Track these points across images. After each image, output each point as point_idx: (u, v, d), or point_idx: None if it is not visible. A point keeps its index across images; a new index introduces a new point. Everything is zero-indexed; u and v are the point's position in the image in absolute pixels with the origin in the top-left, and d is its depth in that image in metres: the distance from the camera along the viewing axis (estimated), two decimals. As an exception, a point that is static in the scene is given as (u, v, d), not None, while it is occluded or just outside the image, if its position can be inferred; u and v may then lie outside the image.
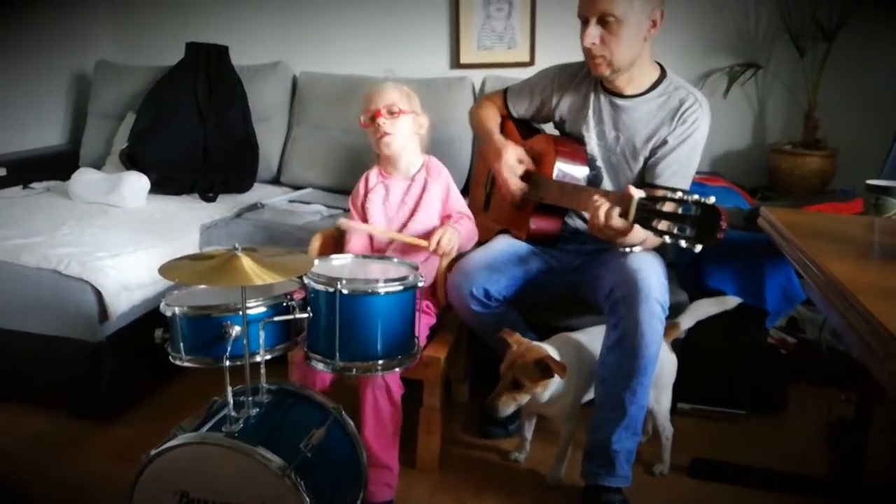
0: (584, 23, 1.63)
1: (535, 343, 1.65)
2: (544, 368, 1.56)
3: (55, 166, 2.98)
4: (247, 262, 1.25)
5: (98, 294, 1.93)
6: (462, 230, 1.83)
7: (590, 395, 1.74)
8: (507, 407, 1.60)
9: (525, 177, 1.86)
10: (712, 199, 1.20)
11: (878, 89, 2.54)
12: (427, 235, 1.85)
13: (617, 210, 1.39)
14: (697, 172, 1.76)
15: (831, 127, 2.52)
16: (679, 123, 1.68)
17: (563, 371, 1.55)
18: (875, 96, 2.55)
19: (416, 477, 1.80)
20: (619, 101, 1.75)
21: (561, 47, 2.68)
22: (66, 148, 3.24)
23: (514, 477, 1.84)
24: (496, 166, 1.87)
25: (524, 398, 1.60)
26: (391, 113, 1.80)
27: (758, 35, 2.63)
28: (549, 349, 1.63)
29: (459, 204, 1.92)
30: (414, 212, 1.87)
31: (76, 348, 1.97)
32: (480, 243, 1.93)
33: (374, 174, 1.93)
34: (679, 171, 1.70)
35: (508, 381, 1.58)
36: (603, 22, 1.60)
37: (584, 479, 1.67)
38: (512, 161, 1.84)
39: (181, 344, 1.42)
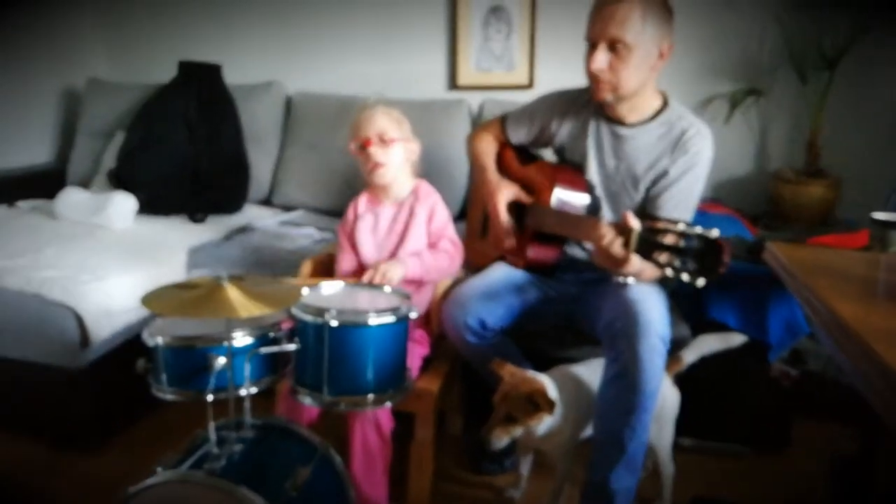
0: (592, 46, 1.59)
1: (531, 374, 1.60)
2: (535, 403, 1.50)
3: (41, 185, 2.92)
4: (233, 293, 1.21)
5: (79, 319, 1.88)
6: (421, 262, 1.75)
7: (589, 430, 1.68)
8: (501, 440, 1.54)
9: (522, 206, 1.82)
10: (715, 233, 1.16)
11: (881, 117, 2.52)
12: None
13: (620, 241, 1.35)
14: (699, 199, 1.72)
15: (834, 155, 2.49)
16: (681, 154, 1.65)
17: (550, 408, 1.49)
18: (878, 124, 2.52)
19: (406, 514, 1.74)
20: (620, 130, 1.71)
21: (560, 70, 2.69)
22: (54, 166, 3.19)
23: (508, 515, 1.78)
24: (489, 207, 1.84)
25: (518, 431, 1.54)
26: (383, 141, 1.75)
27: (760, 61, 2.61)
28: (547, 381, 1.58)
29: (441, 226, 1.85)
30: (403, 238, 1.82)
31: (56, 375, 1.92)
32: (477, 270, 1.88)
33: (362, 202, 1.89)
34: (681, 203, 1.66)
35: (502, 414, 1.53)
36: (612, 47, 1.57)
37: (581, 521, 1.61)
38: (503, 204, 1.81)
39: (163, 375, 1.38)
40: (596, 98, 1.66)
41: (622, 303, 1.56)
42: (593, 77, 1.62)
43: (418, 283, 1.80)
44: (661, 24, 1.57)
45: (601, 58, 1.57)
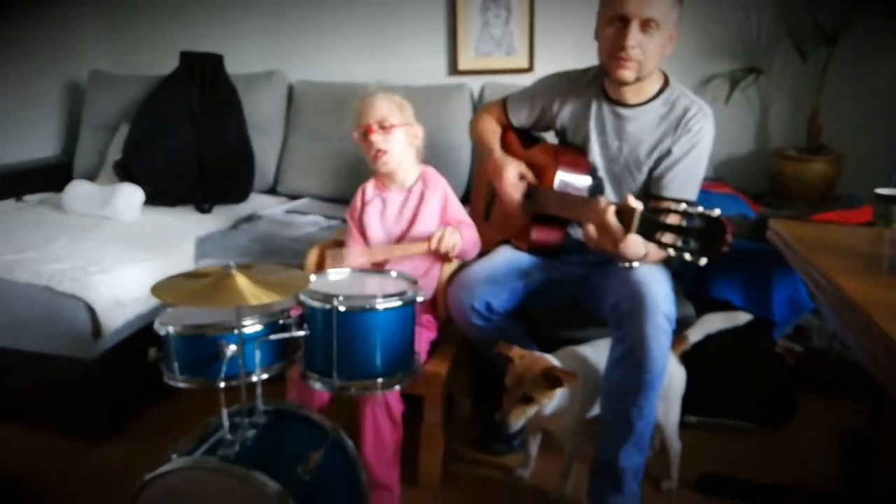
0: (624, 23, 1.57)
1: (538, 354, 1.61)
2: (553, 379, 1.52)
3: (48, 178, 2.94)
4: (241, 281, 1.22)
5: (91, 310, 1.89)
6: (464, 233, 1.79)
7: (595, 410, 1.70)
8: (519, 421, 1.55)
9: (526, 191, 1.82)
10: (717, 212, 1.16)
11: (881, 93, 2.51)
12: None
13: (613, 209, 1.35)
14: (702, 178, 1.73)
15: (835, 131, 2.49)
16: (683, 132, 1.65)
17: (573, 378, 1.51)
18: (879, 100, 2.51)
19: (417, 495, 1.76)
20: (622, 111, 1.71)
21: (560, 53, 2.68)
22: (60, 159, 3.20)
23: (518, 494, 1.80)
24: (497, 184, 1.84)
25: (533, 410, 1.56)
26: (383, 128, 1.76)
27: (759, 40, 2.60)
28: (554, 362, 1.59)
29: (459, 212, 1.89)
30: (411, 224, 1.84)
31: (69, 366, 1.94)
32: (482, 254, 1.89)
33: (370, 187, 1.90)
34: (686, 182, 1.67)
35: (518, 395, 1.54)
36: (644, 26, 1.57)
37: (590, 497, 1.63)
38: (513, 178, 1.81)
39: (175, 363, 1.39)
40: (616, 76, 1.63)
41: (627, 284, 1.57)
42: (622, 54, 1.59)
43: (425, 269, 1.82)
44: (680, 7, 1.60)
45: (636, 35, 1.57)
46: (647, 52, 1.59)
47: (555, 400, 1.57)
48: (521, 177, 1.82)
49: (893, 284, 1.21)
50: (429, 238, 1.76)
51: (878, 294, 1.11)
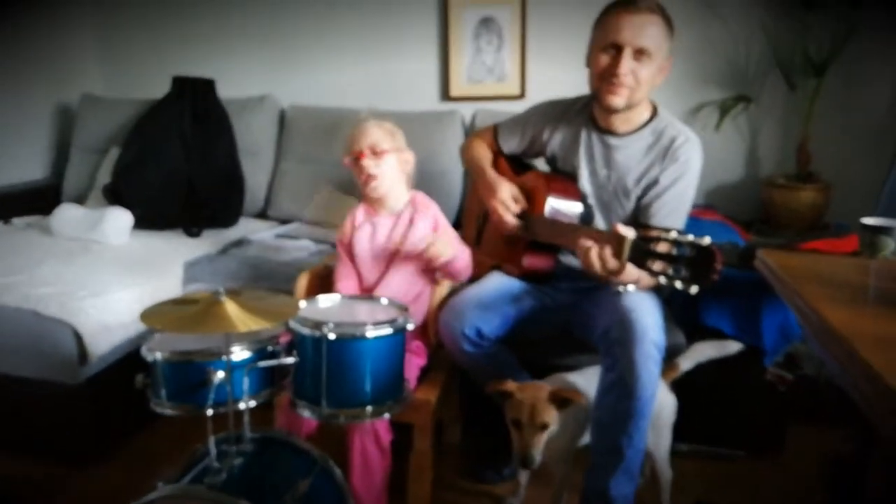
0: (618, 51, 1.60)
1: (534, 382, 1.61)
2: (561, 400, 1.51)
3: (37, 201, 2.93)
4: (230, 308, 1.21)
5: (77, 335, 1.88)
6: (464, 254, 1.78)
7: (586, 439, 1.69)
8: (540, 451, 1.52)
9: (518, 214, 1.83)
10: (707, 240, 1.17)
11: (869, 122, 2.56)
12: (417, 273, 1.82)
13: (609, 250, 1.36)
14: (692, 206, 1.74)
15: (824, 160, 2.52)
16: (671, 162, 1.67)
17: (579, 396, 1.51)
18: (867, 129, 2.56)
19: (406, 525, 1.74)
20: (611, 140, 1.73)
21: (551, 81, 2.72)
22: (49, 182, 3.19)
23: (508, 523, 1.78)
24: (491, 203, 1.84)
25: (547, 436, 1.53)
26: (375, 153, 1.76)
27: (749, 69, 2.64)
28: (549, 387, 1.58)
29: (451, 236, 1.87)
30: (400, 249, 1.83)
31: (55, 391, 1.92)
32: (473, 280, 1.89)
33: (360, 212, 1.90)
34: (674, 211, 1.68)
35: (539, 425, 1.51)
36: (637, 54, 1.59)
37: (580, 527, 1.62)
38: (506, 197, 1.81)
39: (163, 390, 1.37)
40: (606, 103, 1.65)
41: (617, 311, 1.58)
42: (615, 80, 1.61)
43: (416, 294, 1.82)
44: (670, 40, 1.63)
45: (629, 62, 1.59)
46: (639, 79, 1.61)
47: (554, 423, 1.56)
48: (514, 199, 1.82)
49: (878, 315, 1.22)
50: (418, 273, 1.78)
51: (863, 324, 1.12)
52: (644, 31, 1.58)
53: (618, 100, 1.64)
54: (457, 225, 2.28)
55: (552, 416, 1.52)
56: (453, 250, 1.72)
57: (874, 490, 1.65)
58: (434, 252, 1.68)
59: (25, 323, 1.90)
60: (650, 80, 1.63)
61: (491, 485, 1.93)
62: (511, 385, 1.56)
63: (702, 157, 1.69)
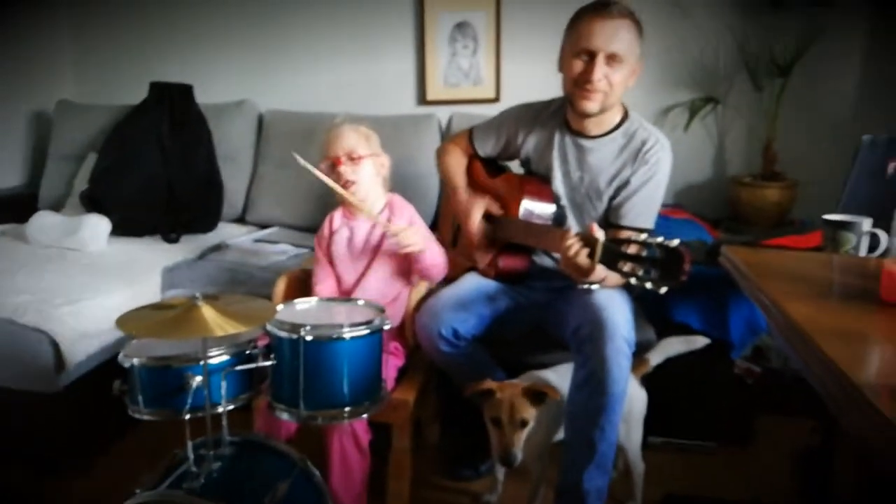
0: (591, 57, 1.63)
1: (510, 381, 1.64)
2: (536, 395, 1.55)
3: (13, 209, 2.89)
4: (208, 312, 1.21)
5: (54, 344, 1.87)
6: (434, 247, 1.79)
7: (560, 435, 1.73)
8: (520, 447, 1.55)
9: (492, 217, 1.87)
10: (675, 242, 1.21)
11: (832, 122, 2.63)
12: (394, 275, 1.84)
13: (586, 251, 1.40)
14: (661, 205, 1.78)
15: (789, 159, 2.59)
16: (641, 164, 1.71)
17: (554, 393, 1.55)
18: (831, 128, 2.62)
19: (386, 523, 1.76)
20: (583, 142, 1.77)
21: (526, 84, 2.74)
22: (25, 190, 3.17)
23: (486, 520, 1.81)
24: (465, 226, 1.90)
25: (527, 433, 1.56)
26: (352, 159, 1.78)
27: (716, 70, 2.70)
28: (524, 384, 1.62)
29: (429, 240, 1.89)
30: (377, 251, 1.85)
31: (32, 400, 1.91)
32: (449, 280, 1.92)
33: (338, 216, 1.92)
34: (643, 212, 1.72)
35: (519, 422, 1.54)
36: (610, 60, 1.62)
37: (556, 521, 1.65)
38: (477, 222, 1.86)
39: (140, 396, 1.37)
40: (580, 108, 1.68)
41: (588, 309, 1.62)
42: (588, 86, 1.64)
43: (393, 296, 1.84)
44: (640, 43, 1.66)
45: (603, 68, 1.63)
46: (612, 84, 1.64)
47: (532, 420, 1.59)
48: (487, 212, 1.86)
49: (840, 309, 1.24)
50: (396, 276, 1.81)
51: (825, 319, 1.13)
52: (616, 36, 1.61)
53: (592, 105, 1.67)
54: (434, 227, 2.31)
55: (531, 413, 1.55)
56: (423, 242, 1.74)
57: (840, 479, 1.70)
58: (405, 239, 1.69)
59: (1, 331, 1.89)
60: (623, 83, 1.66)
61: (469, 482, 1.96)
62: (490, 384, 1.59)
63: (671, 159, 1.74)
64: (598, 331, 1.56)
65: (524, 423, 1.55)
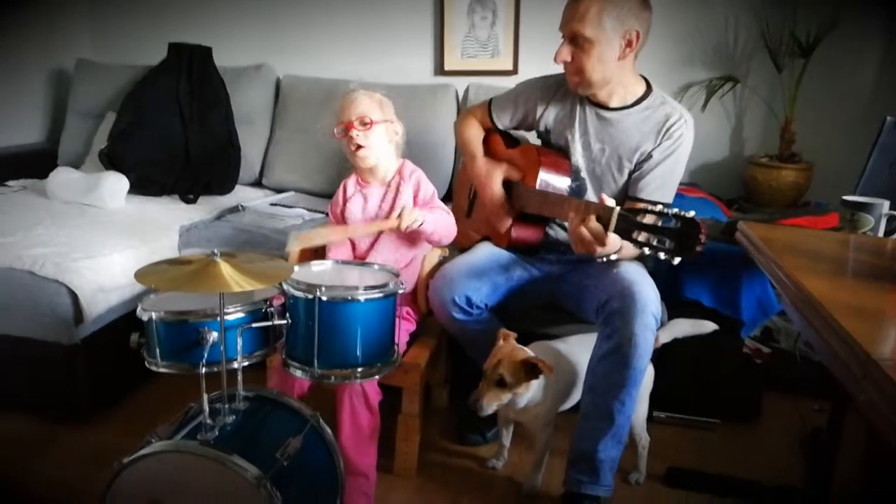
0: (563, 39, 1.66)
1: (518, 345, 1.66)
2: (531, 368, 1.56)
3: (33, 165, 2.93)
4: (225, 269, 1.23)
5: (73, 296, 1.90)
6: (431, 215, 1.79)
7: (566, 405, 1.75)
8: (491, 405, 1.58)
9: (508, 186, 1.87)
10: (692, 213, 1.21)
11: (852, 105, 2.59)
12: (407, 241, 1.86)
13: (594, 216, 1.40)
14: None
15: (807, 141, 2.56)
16: (665, 138, 1.70)
17: (549, 369, 1.55)
18: (850, 112, 2.59)
19: (393, 483, 1.80)
20: (605, 114, 1.76)
21: (544, 57, 2.68)
22: (45, 146, 3.20)
23: (491, 484, 1.85)
24: (484, 191, 1.90)
25: (507, 397, 1.59)
26: (364, 124, 1.78)
27: (736, 50, 2.67)
28: (530, 353, 1.63)
29: (432, 198, 1.89)
30: (389, 217, 1.86)
31: (50, 350, 1.95)
32: (463, 250, 1.93)
33: (351, 183, 1.93)
34: (663, 186, 1.72)
35: (495, 378, 1.57)
36: (574, 41, 1.63)
37: (566, 487, 1.67)
38: (499, 191, 1.88)
39: (157, 349, 1.39)
40: (570, 90, 1.72)
41: (617, 283, 1.62)
42: (564, 68, 1.69)
43: (407, 261, 1.86)
44: (623, 15, 1.61)
45: (564, 51, 1.65)
46: (582, 65, 1.65)
47: (528, 392, 1.61)
48: (506, 178, 1.86)
49: (856, 287, 1.24)
50: (404, 237, 1.81)
51: (842, 295, 1.14)
52: (575, 16, 1.61)
53: (570, 85, 1.70)
54: (448, 196, 2.32)
55: (516, 379, 1.56)
56: (421, 215, 1.74)
57: (847, 459, 1.72)
58: (405, 223, 1.71)
59: (19, 282, 1.92)
60: (600, 61, 1.64)
61: (475, 447, 1.99)
62: (503, 333, 1.62)
63: (693, 136, 1.73)
64: (629, 305, 1.56)
65: (501, 382, 1.56)
